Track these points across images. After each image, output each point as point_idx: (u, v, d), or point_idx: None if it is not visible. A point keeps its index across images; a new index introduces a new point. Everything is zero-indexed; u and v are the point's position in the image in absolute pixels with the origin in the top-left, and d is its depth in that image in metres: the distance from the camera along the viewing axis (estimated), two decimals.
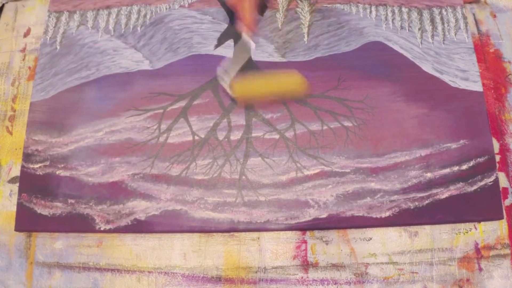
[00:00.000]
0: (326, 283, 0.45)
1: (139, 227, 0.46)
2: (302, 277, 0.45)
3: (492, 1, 0.57)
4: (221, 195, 0.47)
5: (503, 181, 0.48)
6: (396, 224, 0.46)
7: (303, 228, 0.46)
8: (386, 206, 0.46)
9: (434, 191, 0.47)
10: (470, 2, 0.56)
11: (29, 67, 0.54)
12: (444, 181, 0.47)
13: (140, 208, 0.47)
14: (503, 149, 0.50)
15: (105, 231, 0.46)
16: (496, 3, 0.56)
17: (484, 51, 0.54)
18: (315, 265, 0.45)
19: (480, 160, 0.48)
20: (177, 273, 0.45)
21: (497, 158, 0.49)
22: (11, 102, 0.52)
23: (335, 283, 0.45)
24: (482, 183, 0.47)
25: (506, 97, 0.52)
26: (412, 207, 0.46)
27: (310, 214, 0.46)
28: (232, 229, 0.46)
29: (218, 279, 0.45)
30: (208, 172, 0.48)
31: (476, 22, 0.55)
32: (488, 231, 0.46)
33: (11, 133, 0.51)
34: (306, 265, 0.45)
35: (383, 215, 0.46)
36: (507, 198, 0.48)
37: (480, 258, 0.46)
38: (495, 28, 0.55)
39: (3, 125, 0.51)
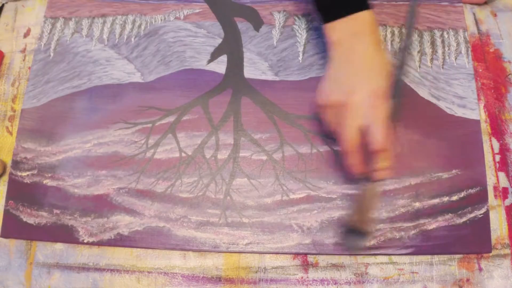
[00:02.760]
0: (326, 283, 0.45)
1: (122, 242, 0.46)
2: (302, 277, 0.45)
3: (493, 0, 0.56)
4: (205, 214, 0.47)
5: (503, 181, 0.48)
6: (381, 253, 0.45)
7: (285, 252, 0.46)
8: (371, 234, 0.46)
9: (422, 221, 0.46)
10: (470, 3, 0.55)
11: (29, 68, 0.54)
12: (433, 212, 0.46)
13: (124, 223, 0.47)
14: (503, 149, 0.49)
15: (88, 243, 0.46)
16: (497, 2, 0.55)
17: (484, 50, 0.53)
18: (315, 265, 0.45)
19: (472, 191, 0.47)
20: (177, 273, 0.46)
21: (497, 158, 0.49)
22: (11, 102, 0.53)
23: (335, 283, 0.45)
24: (472, 215, 0.46)
25: (506, 96, 0.51)
26: (397, 237, 0.45)
27: (293, 239, 0.46)
28: (213, 249, 0.46)
29: (218, 279, 0.45)
30: (193, 190, 0.48)
31: (476, 22, 0.55)
32: None
33: (11, 133, 0.51)
34: (306, 265, 0.45)
35: (367, 243, 0.45)
36: (507, 198, 0.47)
37: (480, 258, 0.45)
38: (495, 27, 0.54)
39: (3, 125, 0.52)
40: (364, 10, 0.41)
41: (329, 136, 0.48)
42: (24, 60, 0.54)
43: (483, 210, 0.46)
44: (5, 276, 0.46)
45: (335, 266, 0.45)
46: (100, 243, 0.46)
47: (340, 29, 0.42)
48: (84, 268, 0.46)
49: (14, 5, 0.58)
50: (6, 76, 0.54)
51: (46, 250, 0.47)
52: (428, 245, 0.45)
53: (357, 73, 0.40)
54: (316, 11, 0.44)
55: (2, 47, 0.55)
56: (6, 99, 0.53)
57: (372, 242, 0.45)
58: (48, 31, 0.55)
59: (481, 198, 0.46)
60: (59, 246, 0.47)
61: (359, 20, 0.41)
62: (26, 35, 0.56)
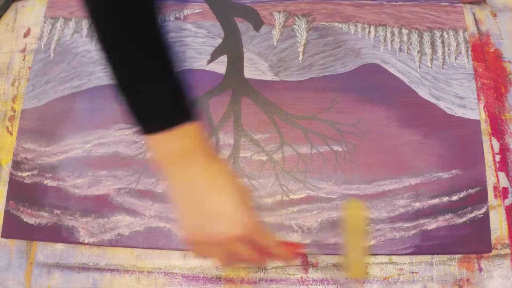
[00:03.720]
0: (326, 283, 0.45)
1: (122, 242, 0.46)
2: (302, 277, 0.45)
3: (492, 0, 0.56)
4: None
5: (503, 181, 0.48)
6: (380, 253, 0.46)
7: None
8: (371, 234, 0.46)
9: (422, 221, 0.46)
10: (470, 2, 0.55)
11: (29, 68, 0.54)
12: (433, 212, 0.46)
13: (124, 223, 0.47)
14: (503, 149, 0.49)
15: (88, 244, 0.46)
16: (497, 2, 0.56)
17: (484, 50, 0.53)
18: (315, 265, 0.45)
19: (472, 191, 0.47)
20: (177, 273, 0.46)
21: (497, 158, 0.49)
22: (11, 102, 0.53)
23: (335, 283, 0.45)
24: (472, 215, 0.46)
25: (506, 96, 0.51)
26: (397, 237, 0.46)
27: (293, 239, 0.46)
28: None
29: (218, 279, 0.45)
30: None
31: (476, 22, 0.55)
32: None
33: (11, 133, 0.51)
34: (306, 265, 0.45)
35: (368, 243, 0.45)
36: (507, 198, 0.47)
37: (480, 258, 0.45)
38: (495, 27, 0.54)
39: (3, 125, 0.52)
40: (187, 122, 0.34)
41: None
42: (24, 60, 0.54)
43: (483, 210, 0.46)
44: (5, 276, 0.46)
45: (335, 266, 0.45)
46: (100, 244, 0.46)
47: (165, 146, 0.35)
48: (84, 268, 0.46)
49: (14, 5, 0.58)
50: (6, 76, 0.54)
51: (46, 250, 0.47)
52: (428, 245, 0.45)
53: (207, 210, 0.34)
54: (134, 120, 0.35)
55: (2, 47, 0.55)
56: (6, 99, 0.53)
57: (372, 242, 0.45)
58: (48, 31, 0.55)
59: (481, 198, 0.46)
60: (59, 246, 0.47)
61: (184, 135, 0.34)
62: (26, 35, 0.56)
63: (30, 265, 0.46)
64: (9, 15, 0.57)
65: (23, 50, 0.55)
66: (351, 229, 0.42)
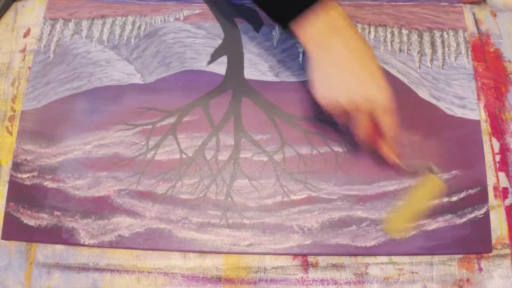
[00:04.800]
0: (326, 283, 0.45)
1: (123, 243, 0.46)
2: (302, 277, 0.45)
3: (492, 0, 0.56)
4: (206, 215, 0.47)
5: (503, 181, 0.48)
6: (381, 254, 0.46)
7: (286, 253, 0.46)
8: (372, 235, 0.46)
9: (421, 222, 0.46)
10: (470, 2, 0.55)
11: (29, 68, 0.54)
12: (432, 212, 0.46)
13: (125, 225, 0.47)
14: (503, 149, 0.49)
15: (89, 245, 0.46)
16: (497, 2, 0.56)
17: (484, 50, 0.53)
18: (315, 265, 0.45)
19: (472, 192, 0.47)
20: (177, 273, 0.46)
21: (497, 158, 0.49)
22: (11, 102, 0.52)
23: (335, 283, 0.45)
24: (472, 215, 0.46)
25: (506, 96, 0.51)
26: (397, 237, 0.46)
27: (294, 240, 0.46)
28: (214, 250, 0.46)
29: (218, 279, 0.45)
30: (194, 191, 0.48)
31: (476, 22, 0.55)
32: None
33: (11, 133, 0.51)
34: (306, 265, 0.45)
35: (368, 244, 0.45)
36: (507, 198, 0.47)
37: (480, 258, 0.46)
38: (495, 27, 0.54)
39: (3, 125, 0.51)
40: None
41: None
42: (24, 60, 0.54)
43: (483, 211, 0.46)
44: (5, 276, 0.46)
45: (335, 266, 0.45)
46: (101, 245, 0.46)
47: (311, 25, 0.39)
48: (84, 268, 0.46)
49: (14, 5, 0.57)
50: (6, 76, 0.54)
51: (46, 250, 0.47)
52: (429, 246, 0.45)
53: (350, 76, 0.40)
54: (273, 10, 0.41)
55: (2, 47, 0.55)
56: (6, 99, 0.53)
57: (372, 243, 0.45)
58: (48, 33, 0.55)
59: (481, 198, 0.46)
60: (59, 246, 0.47)
61: (329, 12, 0.38)
62: (26, 35, 0.56)
63: (30, 265, 0.46)
64: (9, 15, 0.57)
65: (23, 50, 0.55)
66: (416, 197, 0.45)
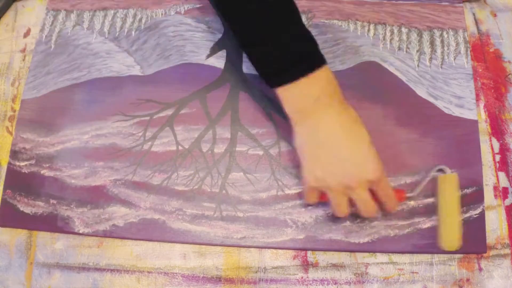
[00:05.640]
0: (326, 283, 0.45)
1: (117, 233, 0.46)
2: (302, 277, 0.45)
3: (492, 0, 0.56)
4: (200, 207, 0.47)
5: (503, 181, 0.48)
6: (374, 250, 0.45)
7: (279, 247, 0.46)
8: (366, 231, 0.46)
9: (416, 220, 0.46)
10: (470, 1, 0.55)
11: (29, 68, 0.54)
12: (427, 211, 0.46)
13: (119, 215, 0.47)
14: (503, 149, 0.49)
15: (83, 234, 0.46)
16: (497, 2, 0.55)
17: (484, 50, 0.53)
18: (315, 265, 0.45)
19: (468, 191, 0.47)
20: (177, 273, 0.46)
21: (497, 158, 0.49)
22: (11, 102, 0.53)
23: (335, 283, 0.45)
24: (467, 215, 0.46)
25: (506, 96, 0.51)
26: (392, 235, 0.45)
27: (287, 234, 0.46)
28: (208, 242, 0.46)
29: (218, 279, 0.45)
30: (189, 183, 0.48)
31: (476, 22, 0.55)
32: (488, 231, 0.46)
33: (11, 133, 0.51)
34: (306, 265, 0.45)
35: (362, 240, 0.45)
36: (507, 198, 0.47)
37: (480, 258, 0.45)
38: (495, 27, 0.54)
39: (3, 125, 0.52)
40: (320, 66, 0.36)
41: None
42: (24, 60, 0.54)
43: (478, 210, 0.46)
44: (5, 276, 0.46)
45: (335, 266, 0.45)
46: (95, 234, 0.46)
47: (298, 95, 0.36)
48: (84, 268, 0.46)
49: (14, 5, 0.58)
50: (6, 76, 0.54)
51: (46, 250, 0.47)
52: (423, 244, 0.45)
53: (341, 161, 0.38)
54: (261, 72, 0.38)
55: (2, 47, 0.55)
56: (6, 99, 0.53)
57: (366, 239, 0.45)
58: (50, 23, 0.55)
59: (477, 198, 0.46)
60: (59, 246, 0.47)
61: (318, 81, 0.36)
62: (26, 35, 0.56)
63: (30, 265, 0.46)
64: (9, 15, 0.57)
65: (23, 50, 0.55)
66: (445, 203, 0.45)
